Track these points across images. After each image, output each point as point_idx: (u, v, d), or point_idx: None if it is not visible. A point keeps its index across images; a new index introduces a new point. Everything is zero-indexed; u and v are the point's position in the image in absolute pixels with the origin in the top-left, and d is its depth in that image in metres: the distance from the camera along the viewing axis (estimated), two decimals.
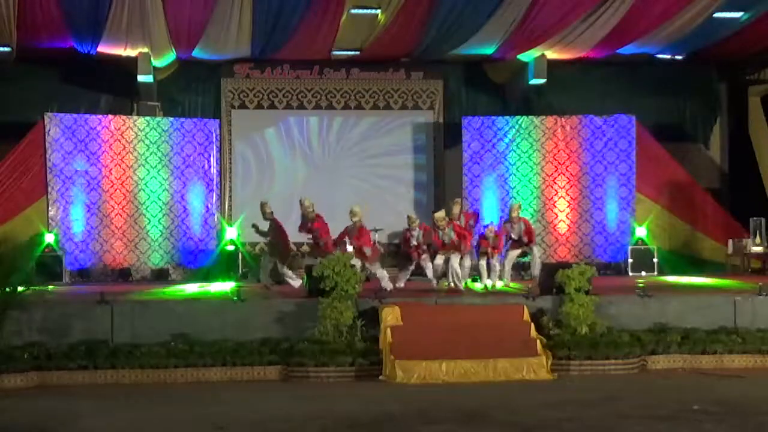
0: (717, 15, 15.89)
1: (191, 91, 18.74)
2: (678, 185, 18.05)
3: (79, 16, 15.38)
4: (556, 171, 18.00)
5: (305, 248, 15.35)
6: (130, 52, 16.79)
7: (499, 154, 17.99)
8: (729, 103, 19.70)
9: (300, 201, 14.35)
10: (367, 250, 13.58)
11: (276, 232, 14.35)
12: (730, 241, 17.16)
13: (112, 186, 17.21)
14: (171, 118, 17.88)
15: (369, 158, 19.10)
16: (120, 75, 17.42)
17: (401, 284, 13.99)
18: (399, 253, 15.46)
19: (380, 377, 10.51)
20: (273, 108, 19.00)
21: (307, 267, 13.19)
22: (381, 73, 19.07)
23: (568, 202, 18.01)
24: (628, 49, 17.71)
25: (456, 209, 14.60)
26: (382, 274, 13.65)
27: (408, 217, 14.54)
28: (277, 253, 14.39)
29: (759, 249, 16.77)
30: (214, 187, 17.77)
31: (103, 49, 16.80)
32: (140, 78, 16.88)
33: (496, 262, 14.20)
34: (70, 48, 16.80)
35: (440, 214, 14.14)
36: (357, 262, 12.99)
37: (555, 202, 17.96)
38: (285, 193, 18.64)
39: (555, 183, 18.00)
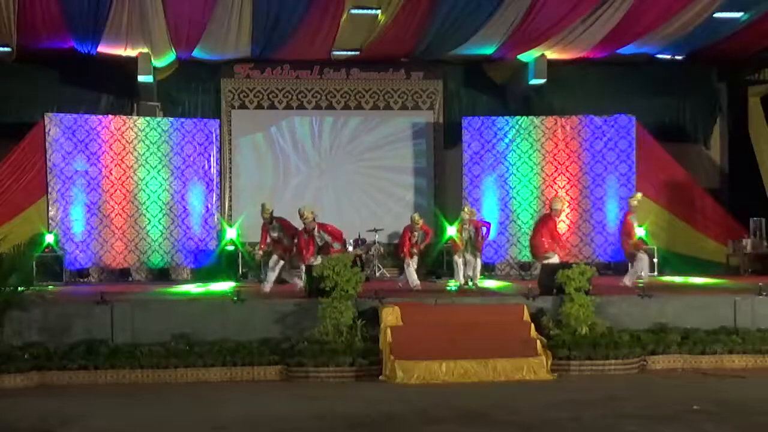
0: (717, 15, 15.90)
1: (191, 91, 18.76)
2: (678, 185, 18.05)
3: (79, 16, 15.39)
4: (556, 171, 18.01)
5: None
6: (130, 52, 16.80)
7: (499, 154, 17.99)
8: (729, 103, 19.72)
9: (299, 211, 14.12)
10: (337, 245, 13.81)
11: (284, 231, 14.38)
12: (730, 241, 17.16)
13: (112, 186, 17.22)
14: (171, 118, 17.90)
15: (369, 158, 19.11)
16: (120, 75, 17.43)
17: (417, 284, 14.40)
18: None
19: (380, 377, 10.51)
20: (273, 108, 19.01)
21: (307, 267, 13.20)
22: (381, 73, 19.08)
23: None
24: (628, 49, 17.72)
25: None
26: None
27: (412, 217, 14.74)
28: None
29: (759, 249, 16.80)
30: (214, 187, 17.78)
31: (103, 49, 16.81)
32: (140, 78, 16.89)
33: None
34: (70, 48, 16.81)
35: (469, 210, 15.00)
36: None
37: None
38: (285, 193, 18.68)
39: (555, 183, 18.01)
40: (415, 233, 14.90)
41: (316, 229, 13.78)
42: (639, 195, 15.10)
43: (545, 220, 14.63)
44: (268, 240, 14.25)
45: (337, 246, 13.82)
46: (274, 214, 14.31)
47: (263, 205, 14.22)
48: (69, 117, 17.07)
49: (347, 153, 19.11)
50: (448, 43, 17.38)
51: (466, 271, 14.67)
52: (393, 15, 15.80)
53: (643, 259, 14.60)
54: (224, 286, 15.20)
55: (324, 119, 19.13)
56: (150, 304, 12.03)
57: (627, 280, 14.30)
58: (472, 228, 14.93)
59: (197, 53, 17.57)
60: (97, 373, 10.53)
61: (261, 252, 14.60)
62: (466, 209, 15.43)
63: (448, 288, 14.53)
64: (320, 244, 13.83)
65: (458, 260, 14.87)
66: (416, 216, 15.03)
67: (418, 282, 14.56)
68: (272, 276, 14.18)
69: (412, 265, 14.73)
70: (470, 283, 14.58)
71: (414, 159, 19.22)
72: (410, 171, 19.21)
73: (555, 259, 14.11)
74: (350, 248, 16.68)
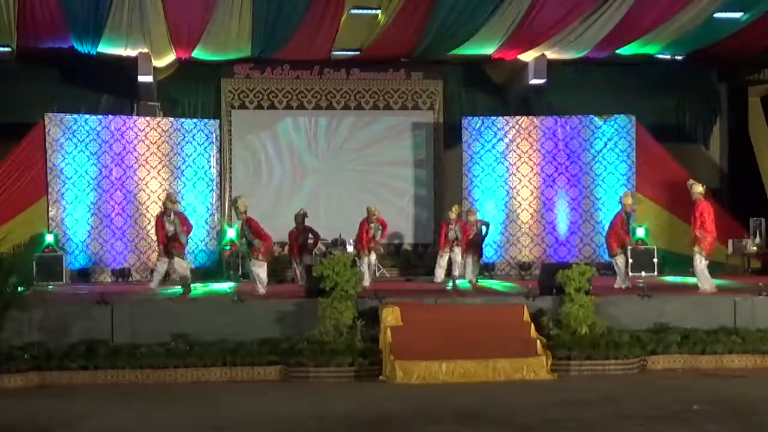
0: (717, 15, 15.90)
1: (191, 91, 18.77)
2: (678, 185, 17.98)
3: (79, 16, 15.40)
4: (556, 171, 18.01)
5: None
6: (130, 52, 16.80)
7: (499, 155, 17.98)
8: (729, 103, 19.72)
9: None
10: (257, 243, 13.52)
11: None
12: (730, 241, 17.15)
13: (112, 186, 17.21)
14: (171, 118, 17.89)
15: (369, 158, 19.11)
16: (120, 75, 17.42)
17: (367, 282, 13.97)
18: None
19: (380, 377, 10.51)
20: (273, 108, 19.01)
21: (307, 267, 13.19)
22: (381, 74, 19.09)
23: (568, 202, 18.01)
24: (628, 50, 17.73)
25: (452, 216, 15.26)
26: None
27: (368, 208, 14.70)
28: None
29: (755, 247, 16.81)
30: (214, 187, 17.77)
31: (103, 49, 16.82)
32: (140, 78, 16.87)
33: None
34: (70, 48, 16.81)
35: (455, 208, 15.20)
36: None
37: (555, 202, 17.97)
38: (285, 192, 18.69)
39: (555, 183, 18.01)
40: (372, 225, 14.92)
41: (244, 221, 13.58)
42: (629, 192, 15.00)
43: (614, 218, 14.47)
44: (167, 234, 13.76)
45: (257, 244, 13.35)
46: (175, 210, 14.02)
47: (169, 195, 14.04)
48: (69, 117, 17.07)
49: (347, 153, 19.11)
50: (448, 43, 17.38)
51: (452, 270, 14.77)
52: (393, 15, 15.80)
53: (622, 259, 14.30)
54: (224, 286, 15.20)
55: (324, 119, 19.13)
56: (150, 304, 12.03)
57: (621, 283, 14.06)
58: (458, 228, 15.00)
59: (197, 53, 17.56)
60: (97, 373, 10.53)
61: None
62: (453, 208, 15.50)
63: (448, 287, 14.55)
64: (249, 239, 13.56)
65: (440, 260, 15.02)
66: (372, 206, 15.01)
67: (369, 280, 14.33)
68: (158, 275, 13.85)
69: (367, 260, 14.72)
70: (450, 284, 14.65)
71: (414, 159, 19.22)
72: (410, 171, 19.21)
73: (620, 258, 13.94)
74: (350, 248, 16.69)
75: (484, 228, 15.87)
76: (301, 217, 15.49)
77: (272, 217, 17.84)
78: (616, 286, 13.74)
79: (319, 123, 19.13)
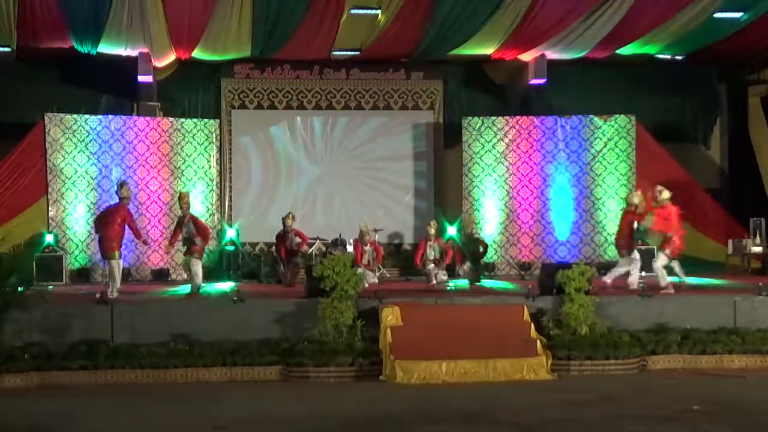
0: (717, 15, 15.91)
1: (191, 91, 18.74)
2: (678, 185, 17.96)
3: (79, 16, 15.40)
4: (556, 171, 18.00)
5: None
6: (130, 52, 16.80)
7: (499, 155, 17.97)
8: (729, 103, 19.71)
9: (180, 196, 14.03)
10: (198, 241, 13.53)
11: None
12: (730, 241, 17.16)
13: (112, 186, 17.18)
14: (171, 118, 17.87)
15: (369, 158, 19.10)
16: (120, 75, 17.40)
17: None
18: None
19: (380, 377, 10.52)
20: (273, 108, 19.00)
21: (307, 267, 13.20)
22: (381, 74, 19.06)
23: (568, 202, 17.99)
24: (628, 50, 17.73)
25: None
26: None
27: (360, 229, 14.73)
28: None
29: (759, 249, 16.77)
30: (214, 187, 17.76)
31: (103, 49, 16.82)
32: (140, 78, 16.87)
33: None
34: (70, 48, 16.81)
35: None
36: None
37: (555, 202, 17.95)
38: (285, 193, 18.68)
39: (555, 183, 18.00)
40: (366, 249, 14.94)
41: (187, 218, 13.54)
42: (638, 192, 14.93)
43: (621, 218, 14.40)
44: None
45: (198, 242, 13.45)
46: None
47: (124, 183, 13.92)
48: (69, 117, 17.05)
49: (347, 153, 19.08)
50: (448, 43, 17.38)
51: (457, 271, 14.77)
52: (393, 15, 15.80)
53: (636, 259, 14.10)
54: (224, 286, 15.20)
55: (324, 119, 19.11)
56: (150, 304, 12.04)
57: (608, 278, 14.00)
58: (436, 246, 15.04)
59: (197, 53, 17.56)
60: (97, 373, 10.55)
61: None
62: (432, 224, 15.48)
63: (449, 288, 14.55)
64: (185, 236, 13.56)
65: (425, 269, 15.02)
66: (364, 227, 15.03)
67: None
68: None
69: (363, 271, 14.66)
70: (452, 284, 14.76)
71: (414, 159, 19.19)
72: (410, 171, 19.18)
73: (623, 266, 13.73)
74: (350, 248, 16.67)
75: (481, 248, 15.79)
76: (290, 220, 15.43)
77: (272, 216, 17.85)
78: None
79: (319, 123, 19.11)
